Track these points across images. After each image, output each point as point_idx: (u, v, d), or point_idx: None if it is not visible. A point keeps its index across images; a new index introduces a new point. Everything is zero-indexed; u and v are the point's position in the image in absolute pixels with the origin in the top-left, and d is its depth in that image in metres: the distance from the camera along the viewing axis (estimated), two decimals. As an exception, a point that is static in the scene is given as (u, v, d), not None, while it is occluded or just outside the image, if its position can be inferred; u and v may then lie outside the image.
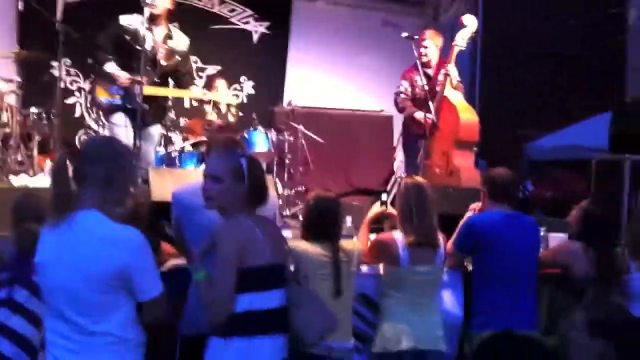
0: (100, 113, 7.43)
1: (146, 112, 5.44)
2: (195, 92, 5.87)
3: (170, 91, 5.66)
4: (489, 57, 10.14)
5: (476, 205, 4.20)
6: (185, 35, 5.77)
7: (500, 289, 3.75)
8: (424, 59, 6.33)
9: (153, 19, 5.39)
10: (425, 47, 6.34)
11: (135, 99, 5.27)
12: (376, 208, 4.14)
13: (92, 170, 2.47)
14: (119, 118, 5.48)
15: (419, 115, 6.10)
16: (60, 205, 2.44)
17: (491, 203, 3.94)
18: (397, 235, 3.66)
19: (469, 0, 9.25)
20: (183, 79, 5.76)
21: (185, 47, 5.67)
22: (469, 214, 4.17)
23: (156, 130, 5.76)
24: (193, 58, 6.05)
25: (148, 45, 5.34)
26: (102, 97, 5.52)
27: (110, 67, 5.40)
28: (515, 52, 11.23)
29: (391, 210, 4.10)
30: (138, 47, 5.34)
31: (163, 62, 5.50)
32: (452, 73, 6.08)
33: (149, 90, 5.38)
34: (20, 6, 6.66)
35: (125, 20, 5.43)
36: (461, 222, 4.07)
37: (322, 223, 3.49)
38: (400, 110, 6.47)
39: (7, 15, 7.42)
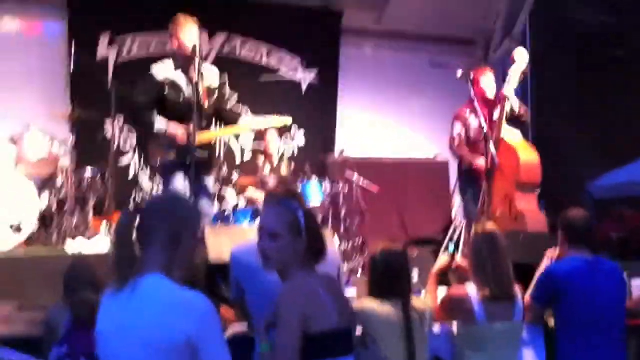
0: (157, 174, 7.38)
1: (203, 163, 5.20)
2: (244, 125, 5.39)
3: (221, 132, 5.41)
4: (541, 93, 9.94)
5: (553, 252, 3.93)
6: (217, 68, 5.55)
7: (586, 342, 3.49)
8: (483, 96, 6.13)
9: (185, 62, 5.11)
10: (481, 85, 6.13)
11: (191, 151, 4.95)
12: (443, 260, 3.91)
13: (157, 228, 2.32)
14: (178, 180, 5.14)
15: (480, 162, 5.84)
16: (123, 268, 2.28)
17: (570, 248, 3.67)
18: (471, 289, 3.41)
19: (518, 38, 9.12)
20: (228, 116, 5.43)
21: (217, 79, 5.36)
22: (546, 261, 3.90)
23: (210, 183, 5.54)
24: (244, 108, 5.92)
25: (188, 92, 5.05)
26: (158, 158, 5.23)
27: (160, 124, 5.05)
28: (568, 88, 11.04)
29: (459, 261, 3.87)
30: (179, 98, 5.08)
31: (205, 104, 5.19)
32: (510, 94, 5.85)
33: (202, 138, 5.06)
34: (72, 66, 6.70)
35: (159, 72, 5.11)
36: (538, 272, 3.80)
37: (391, 279, 3.25)
38: (459, 158, 6.24)
39: (59, 76, 7.55)
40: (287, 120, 5.49)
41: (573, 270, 3.56)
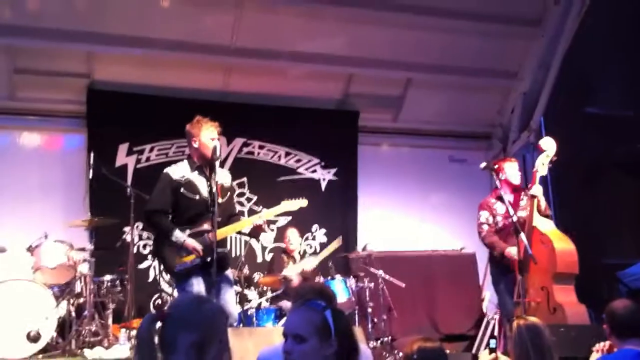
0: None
1: (222, 261, 5.04)
2: (259, 215, 5.29)
3: (238, 225, 5.21)
4: (560, 181, 9.87)
5: (602, 346, 3.68)
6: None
7: None
8: (509, 184, 6.04)
9: (202, 163, 5.13)
10: (506, 173, 6.05)
11: (212, 250, 4.80)
12: (485, 357, 3.65)
13: (182, 336, 2.15)
14: (197, 284, 4.98)
15: (512, 251, 5.66)
16: None
17: (619, 341, 3.43)
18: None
19: (536, 130, 9.15)
20: (235, 220, 5.33)
21: (229, 182, 5.36)
22: (595, 355, 3.64)
23: (231, 278, 5.35)
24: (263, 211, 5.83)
25: (204, 191, 5.05)
26: (178, 264, 5.03)
27: (178, 236, 4.98)
28: (586, 173, 10.98)
29: (501, 357, 3.62)
30: (196, 196, 5.04)
31: (219, 200, 5.09)
32: (538, 193, 5.74)
33: (218, 234, 4.93)
34: (90, 174, 6.70)
35: (174, 171, 5.13)
36: (589, 365, 3.55)
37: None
38: (489, 247, 6.05)
39: (78, 185, 7.58)
40: (302, 202, 5.43)
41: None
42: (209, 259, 4.83)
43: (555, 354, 3.24)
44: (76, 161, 7.72)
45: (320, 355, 2.37)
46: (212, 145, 5.05)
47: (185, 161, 5.22)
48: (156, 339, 2.17)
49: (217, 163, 5.01)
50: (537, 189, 5.77)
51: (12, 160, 7.64)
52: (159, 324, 2.20)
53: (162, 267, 7.13)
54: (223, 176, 5.33)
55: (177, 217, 5.11)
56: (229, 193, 5.32)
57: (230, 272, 5.38)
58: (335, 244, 5.53)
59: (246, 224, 5.23)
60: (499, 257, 5.92)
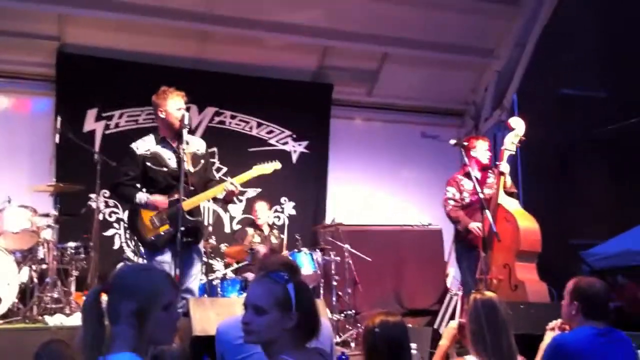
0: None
1: (193, 231, 5.15)
2: (231, 180, 5.24)
3: (209, 192, 5.21)
4: (530, 161, 9.95)
5: (556, 323, 3.72)
6: (203, 140, 5.53)
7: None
8: (478, 162, 6.07)
9: (170, 134, 5.15)
10: (476, 151, 6.09)
11: (185, 219, 4.93)
12: (450, 332, 3.68)
13: (123, 304, 2.17)
14: (165, 255, 5.07)
15: (474, 225, 5.75)
16: (91, 347, 2.11)
17: (584, 320, 3.45)
18: (472, 360, 3.18)
19: (508, 108, 9.20)
20: (214, 185, 5.33)
21: (203, 149, 5.37)
22: (550, 333, 3.68)
23: (197, 254, 5.38)
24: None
25: (172, 162, 5.10)
26: (151, 235, 5.13)
27: (140, 197, 5.10)
28: (557, 154, 11.09)
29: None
30: (163, 168, 5.13)
31: (191, 169, 5.17)
32: (505, 170, 5.78)
33: (189, 203, 5.06)
34: (57, 139, 6.58)
35: (140, 146, 5.19)
36: (543, 344, 3.58)
37: (390, 353, 3.03)
38: (454, 221, 6.12)
39: (43, 148, 7.45)
40: (276, 165, 5.45)
41: (583, 341, 3.35)
42: (183, 228, 4.87)
43: (510, 329, 3.24)
44: (43, 125, 7.56)
45: (279, 328, 2.35)
46: (179, 114, 5.07)
47: (151, 135, 5.26)
48: (102, 310, 2.17)
49: (185, 131, 5.01)
50: (504, 166, 5.81)
51: (-23, 122, 7.48)
52: (104, 296, 2.20)
53: (135, 239, 7.14)
54: (196, 144, 5.34)
55: (149, 191, 5.16)
56: (202, 161, 5.31)
57: (201, 246, 5.39)
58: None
59: (218, 190, 5.22)
60: (463, 232, 6.00)
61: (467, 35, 8.81)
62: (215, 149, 8.09)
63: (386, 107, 9.43)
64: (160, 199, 5.07)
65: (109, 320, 2.18)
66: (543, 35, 8.82)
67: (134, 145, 5.21)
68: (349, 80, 9.04)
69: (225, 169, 8.08)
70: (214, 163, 5.49)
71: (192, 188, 5.13)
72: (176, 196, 5.00)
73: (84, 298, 5.72)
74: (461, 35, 8.77)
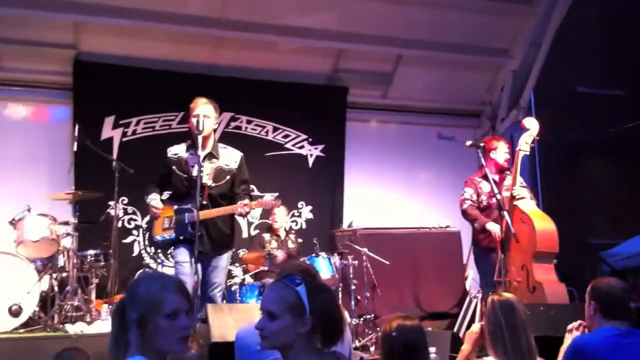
0: (159, 251, 7.33)
1: (206, 241, 5.21)
2: (235, 206, 5.27)
3: (216, 211, 5.24)
4: (547, 160, 9.89)
5: (575, 324, 3.69)
6: (240, 152, 5.61)
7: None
8: (496, 164, 6.06)
9: (201, 143, 5.21)
10: (494, 153, 6.06)
11: (187, 229, 5.09)
12: (471, 337, 3.65)
13: (130, 313, 2.26)
14: (183, 256, 5.20)
15: (492, 226, 5.72)
16: (114, 352, 2.24)
17: (603, 320, 3.42)
18: (492, 362, 3.16)
19: (525, 108, 9.14)
20: (240, 195, 5.41)
21: (235, 163, 5.43)
22: (569, 335, 3.65)
23: (222, 262, 5.42)
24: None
25: (194, 171, 5.17)
26: (158, 235, 5.37)
27: (150, 198, 5.36)
28: (574, 153, 11.00)
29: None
30: (185, 175, 5.29)
31: (211, 183, 5.26)
32: (517, 194, 5.76)
33: (202, 215, 5.10)
34: (75, 147, 6.63)
35: (172, 150, 5.43)
36: (564, 346, 3.55)
37: (408, 358, 3.02)
38: (471, 220, 6.07)
39: (62, 156, 7.51)
40: (275, 203, 5.63)
41: (604, 342, 3.31)
42: (181, 237, 5.13)
43: (530, 329, 3.22)
44: (61, 133, 7.64)
45: (292, 333, 2.35)
46: (194, 121, 5.14)
47: (186, 141, 5.46)
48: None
49: (200, 137, 5.06)
50: (519, 190, 5.77)
51: (-4, 131, 7.55)
52: None
53: (147, 241, 7.22)
54: (227, 158, 5.42)
55: (172, 194, 5.45)
56: (228, 177, 5.36)
57: (227, 256, 5.44)
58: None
59: (221, 212, 5.28)
60: (480, 231, 5.95)
61: (482, 35, 8.77)
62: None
63: (401, 109, 9.42)
64: (156, 208, 5.31)
65: (127, 327, 2.26)
66: (558, 33, 8.76)
67: (168, 149, 5.46)
68: (364, 82, 9.03)
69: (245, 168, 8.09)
70: (245, 179, 5.51)
71: (204, 202, 5.18)
72: (189, 205, 5.08)
73: (105, 306, 5.79)
74: (475, 36, 8.73)
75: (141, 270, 7.32)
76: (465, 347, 3.60)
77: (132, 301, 2.26)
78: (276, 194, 7.99)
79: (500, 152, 6.13)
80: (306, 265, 3.97)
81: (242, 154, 5.55)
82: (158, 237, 5.34)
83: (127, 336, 2.22)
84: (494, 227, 5.71)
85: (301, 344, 2.36)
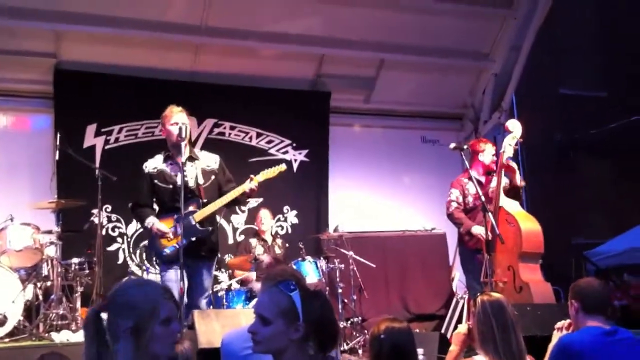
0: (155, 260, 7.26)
1: (205, 244, 5.27)
2: (242, 187, 5.35)
3: (219, 201, 5.29)
4: (531, 161, 9.98)
5: (563, 323, 3.72)
6: (217, 154, 5.63)
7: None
8: (483, 165, 6.12)
9: (174, 151, 5.26)
10: (480, 155, 6.10)
11: (195, 230, 5.09)
12: (458, 337, 3.66)
13: (120, 322, 2.18)
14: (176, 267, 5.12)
15: (477, 229, 5.75)
16: None
17: (585, 318, 3.45)
18: None
19: (507, 110, 9.21)
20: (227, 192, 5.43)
21: (215, 163, 5.49)
22: (557, 334, 3.67)
23: (209, 270, 5.42)
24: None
25: (179, 179, 5.13)
26: (167, 247, 5.27)
27: (149, 221, 5.28)
28: (557, 154, 11.11)
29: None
30: (170, 184, 5.26)
31: (202, 182, 5.30)
32: (514, 166, 5.80)
33: (202, 213, 5.22)
34: (57, 155, 6.59)
35: (149, 165, 5.37)
36: (551, 345, 3.57)
37: (397, 359, 3.02)
38: (457, 224, 6.10)
39: (44, 165, 7.44)
40: (281, 167, 5.58)
41: (589, 341, 3.33)
42: (193, 239, 5.09)
43: (519, 328, 3.24)
44: (43, 142, 7.58)
45: (284, 339, 2.33)
46: (175, 129, 5.12)
47: (161, 154, 5.41)
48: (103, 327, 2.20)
49: (183, 144, 5.08)
50: (507, 160, 5.83)
51: (-23, 141, 7.49)
52: (104, 315, 2.21)
53: (151, 249, 7.17)
54: (207, 160, 5.47)
55: (160, 207, 5.37)
56: (213, 177, 5.41)
57: (209, 265, 5.41)
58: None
59: (232, 196, 5.32)
60: (466, 235, 5.98)
61: (463, 39, 8.83)
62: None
63: (385, 113, 9.45)
64: (163, 229, 5.21)
65: (110, 338, 2.19)
66: (538, 37, 8.84)
67: (144, 165, 5.39)
68: (347, 87, 9.05)
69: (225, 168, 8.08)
70: (230, 179, 5.53)
71: (204, 201, 5.27)
72: (190, 208, 5.16)
73: (87, 315, 5.73)
74: (457, 40, 8.79)
75: (126, 278, 7.27)
76: (454, 348, 3.60)
77: (123, 310, 2.20)
78: (261, 199, 8.01)
79: (487, 154, 6.15)
80: (292, 270, 3.96)
81: (218, 155, 5.59)
82: (167, 250, 5.23)
83: (112, 348, 2.17)
84: (479, 230, 5.73)
85: (294, 350, 2.34)
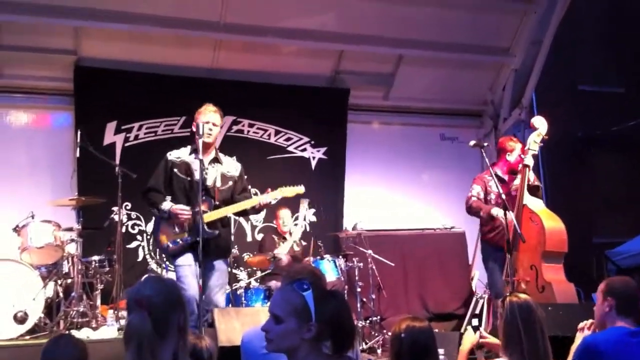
0: (164, 257, 7.27)
1: (215, 243, 5.18)
2: (254, 200, 5.40)
3: (233, 207, 5.30)
4: (550, 159, 9.88)
5: (585, 323, 3.67)
6: (239, 163, 5.64)
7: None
8: (507, 164, 6.02)
9: (202, 148, 5.18)
10: (511, 154, 6.00)
11: (203, 230, 4.94)
12: (470, 337, 3.64)
13: (173, 320, 2.24)
14: (186, 258, 5.15)
15: (497, 211, 5.61)
16: None
17: (616, 318, 3.39)
18: (505, 363, 3.13)
19: (527, 107, 9.12)
20: (240, 200, 5.43)
21: (236, 171, 5.49)
22: (580, 334, 3.62)
23: (224, 266, 5.40)
24: (253, 190, 5.85)
25: (197, 175, 5.12)
26: (168, 241, 5.22)
27: (165, 205, 5.20)
28: (577, 152, 10.98)
29: (487, 336, 3.61)
30: (188, 177, 5.24)
31: (220, 185, 5.30)
32: (530, 164, 5.72)
33: (211, 216, 5.15)
34: (78, 153, 6.63)
35: (173, 155, 5.36)
36: (574, 346, 3.52)
37: (418, 359, 2.99)
38: (476, 212, 5.97)
39: (64, 162, 7.49)
40: (299, 189, 5.48)
41: (615, 341, 3.28)
42: (198, 239, 4.90)
43: (546, 331, 3.20)
44: (63, 140, 7.64)
45: (296, 338, 2.33)
46: (199, 126, 5.11)
47: (189, 146, 5.41)
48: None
49: (200, 142, 5.02)
50: (529, 159, 5.75)
51: (-2, 138, 7.53)
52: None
53: (156, 245, 7.18)
54: (229, 166, 5.48)
55: (174, 198, 5.27)
56: (230, 182, 5.40)
57: (223, 261, 5.37)
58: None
59: (240, 207, 5.31)
60: (486, 225, 5.89)
61: (482, 34, 8.75)
62: (234, 158, 8.13)
63: (403, 110, 9.39)
64: (181, 209, 5.12)
65: (158, 336, 2.20)
66: (559, 31, 8.74)
67: (168, 152, 5.39)
68: (365, 84, 9.00)
69: (245, 177, 8.08)
70: (245, 188, 5.53)
71: (216, 203, 5.25)
72: (198, 208, 5.04)
73: (110, 312, 5.75)
74: (476, 35, 8.72)
75: (146, 275, 7.30)
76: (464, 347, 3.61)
77: (174, 305, 2.25)
78: (279, 198, 7.98)
79: (515, 154, 6.03)
80: (311, 268, 3.94)
81: (241, 165, 5.61)
82: (169, 243, 5.19)
83: (163, 343, 2.20)
84: (499, 212, 5.56)
85: (307, 349, 2.33)
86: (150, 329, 2.17)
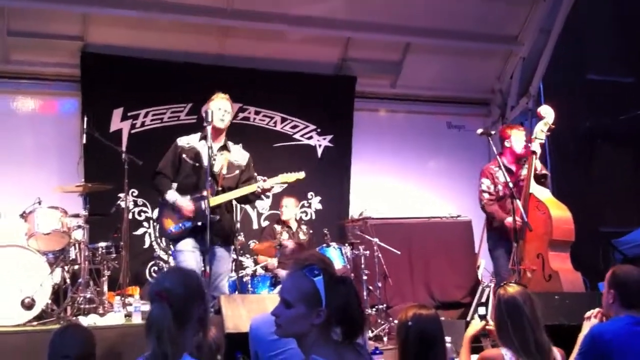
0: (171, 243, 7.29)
1: (217, 229, 5.16)
2: (253, 186, 5.37)
3: (234, 193, 5.33)
4: (558, 148, 9.83)
5: (592, 312, 3.66)
6: (247, 152, 5.66)
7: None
8: (513, 152, 5.98)
9: (212, 135, 5.20)
10: (511, 141, 5.98)
11: (205, 215, 4.94)
12: (475, 324, 3.64)
13: (193, 310, 2.32)
14: (186, 243, 5.20)
15: (511, 221, 5.62)
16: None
17: (621, 310, 3.38)
18: (505, 352, 3.11)
19: (535, 96, 9.08)
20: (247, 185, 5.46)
21: (244, 161, 5.53)
22: (587, 323, 3.61)
23: (226, 252, 5.42)
24: (259, 177, 5.85)
25: (207, 160, 5.10)
26: (171, 226, 5.29)
27: (171, 195, 5.26)
28: (584, 141, 10.93)
29: (491, 325, 3.61)
30: (197, 164, 5.28)
31: (225, 173, 5.31)
32: (537, 151, 5.69)
33: (215, 201, 5.16)
34: (84, 139, 6.63)
35: (183, 140, 5.41)
36: (581, 335, 3.51)
37: (425, 347, 2.98)
38: (489, 216, 6.00)
39: (71, 148, 7.50)
40: (299, 175, 5.47)
41: (621, 331, 3.28)
42: (199, 223, 5.02)
43: (539, 324, 3.15)
44: (70, 126, 7.64)
45: (306, 323, 2.32)
46: (210, 113, 5.10)
47: (199, 133, 5.44)
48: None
49: (209, 129, 5.03)
50: (536, 146, 5.73)
51: (5, 124, 7.52)
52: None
53: (157, 230, 7.21)
54: (237, 155, 5.52)
55: (181, 183, 5.34)
56: (237, 171, 5.44)
57: (225, 248, 5.38)
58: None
59: (241, 193, 5.34)
60: (499, 226, 5.89)
61: (490, 22, 8.71)
62: (240, 145, 8.12)
63: (410, 98, 9.36)
64: (186, 205, 5.18)
65: (177, 327, 2.26)
66: (568, 20, 8.68)
67: (179, 138, 5.44)
68: (372, 72, 8.97)
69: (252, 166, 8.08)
70: (251, 177, 5.52)
71: (219, 189, 5.26)
72: (204, 193, 5.05)
73: (117, 298, 5.77)
74: (484, 23, 8.67)
75: (152, 262, 7.34)
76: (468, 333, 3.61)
77: (194, 296, 2.31)
78: (285, 185, 7.98)
79: (515, 139, 6.00)
80: (320, 255, 3.93)
81: (249, 155, 5.63)
82: (172, 228, 5.26)
83: (183, 334, 2.27)
84: (511, 222, 5.59)
85: (316, 334, 2.32)
86: (170, 320, 2.23)
